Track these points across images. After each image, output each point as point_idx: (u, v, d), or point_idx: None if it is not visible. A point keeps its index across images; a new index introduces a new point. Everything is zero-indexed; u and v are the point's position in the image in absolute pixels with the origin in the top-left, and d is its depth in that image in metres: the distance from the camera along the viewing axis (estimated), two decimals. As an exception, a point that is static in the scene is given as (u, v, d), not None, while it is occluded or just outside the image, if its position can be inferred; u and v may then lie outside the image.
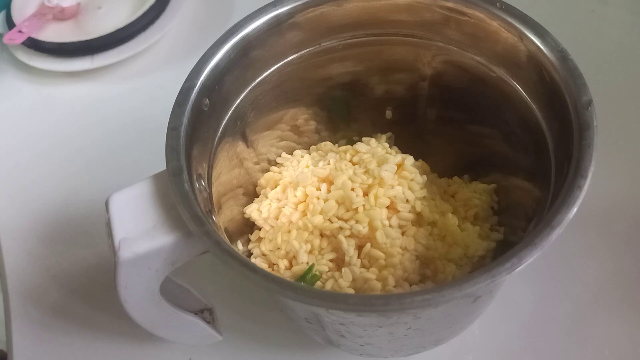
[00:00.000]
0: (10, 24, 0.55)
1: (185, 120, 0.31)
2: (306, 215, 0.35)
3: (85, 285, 0.43)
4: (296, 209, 0.35)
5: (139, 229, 0.29)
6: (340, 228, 0.34)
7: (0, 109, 0.54)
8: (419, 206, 0.35)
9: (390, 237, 0.33)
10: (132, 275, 0.30)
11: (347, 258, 0.34)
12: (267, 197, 0.37)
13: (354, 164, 0.37)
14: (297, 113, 0.39)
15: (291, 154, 0.40)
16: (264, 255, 0.35)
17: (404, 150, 0.38)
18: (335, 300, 0.26)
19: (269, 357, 0.39)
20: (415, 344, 0.34)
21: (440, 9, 0.34)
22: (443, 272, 0.34)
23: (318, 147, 0.40)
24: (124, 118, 0.51)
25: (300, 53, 0.36)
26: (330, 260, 0.34)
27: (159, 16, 0.55)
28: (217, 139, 0.34)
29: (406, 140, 0.39)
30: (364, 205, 0.34)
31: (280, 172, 0.38)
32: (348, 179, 0.35)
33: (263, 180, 0.38)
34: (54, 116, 0.53)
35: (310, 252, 0.34)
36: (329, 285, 0.33)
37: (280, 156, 0.40)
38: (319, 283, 0.34)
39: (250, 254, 0.36)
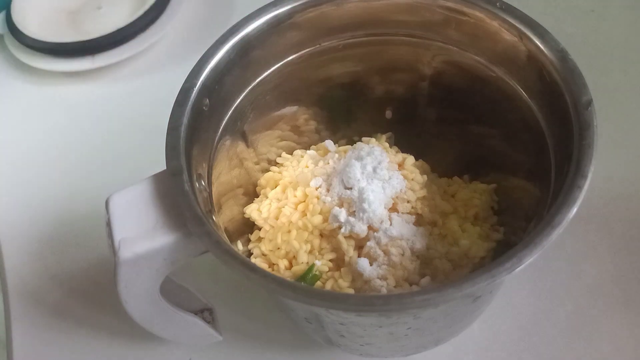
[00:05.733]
0: (10, 24, 0.55)
1: (185, 120, 0.31)
2: (306, 215, 0.35)
3: (85, 285, 0.43)
4: (296, 209, 0.35)
5: (139, 229, 0.29)
6: (340, 228, 0.34)
7: (0, 109, 0.54)
8: (419, 206, 0.35)
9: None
10: (132, 275, 0.30)
11: (347, 258, 0.34)
12: (267, 197, 0.37)
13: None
14: (297, 113, 0.39)
15: (291, 154, 0.40)
16: (264, 255, 0.35)
17: (404, 150, 0.38)
18: (335, 300, 0.26)
19: (269, 357, 0.39)
20: (415, 344, 0.34)
21: (440, 9, 0.34)
22: (443, 272, 0.34)
23: (318, 147, 0.40)
24: (124, 118, 0.51)
25: (300, 53, 0.36)
26: (330, 260, 0.34)
27: (159, 16, 0.55)
28: (217, 139, 0.34)
29: (406, 140, 0.39)
30: (364, 205, 0.34)
31: (280, 172, 0.38)
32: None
33: (263, 180, 0.38)
34: (54, 116, 0.53)
35: (310, 252, 0.34)
36: (329, 285, 0.33)
37: (280, 156, 0.39)
38: (319, 283, 0.34)
39: (250, 254, 0.36)
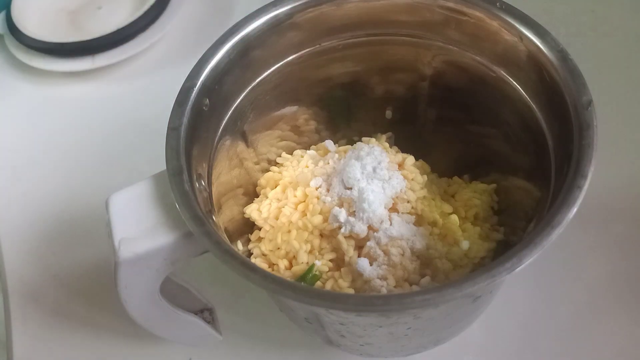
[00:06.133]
0: (10, 24, 0.55)
1: (185, 120, 0.31)
2: (306, 215, 0.35)
3: (85, 285, 0.43)
4: (296, 209, 0.35)
5: (139, 229, 0.29)
6: (340, 228, 0.34)
7: (0, 109, 0.54)
8: (419, 206, 0.35)
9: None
10: (132, 275, 0.30)
11: (347, 258, 0.34)
12: (267, 197, 0.37)
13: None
14: (297, 113, 0.39)
15: (291, 154, 0.40)
16: (264, 255, 0.35)
17: (404, 150, 0.38)
18: (335, 300, 0.26)
19: (269, 357, 0.39)
20: (415, 344, 0.34)
21: (440, 9, 0.34)
22: (443, 272, 0.34)
23: (318, 147, 0.40)
24: (124, 118, 0.51)
25: (300, 53, 0.36)
26: (330, 260, 0.34)
27: (159, 16, 0.55)
28: (217, 138, 0.34)
29: (406, 140, 0.39)
30: (364, 205, 0.34)
31: (280, 172, 0.38)
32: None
33: (263, 180, 0.38)
34: (54, 116, 0.53)
35: (310, 252, 0.34)
36: (329, 285, 0.33)
37: (280, 156, 0.39)
38: (319, 283, 0.34)
39: (250, 254, 0.36)
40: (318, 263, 0.34)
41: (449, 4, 0.33)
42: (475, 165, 0.39)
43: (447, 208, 0.36)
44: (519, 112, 0.33)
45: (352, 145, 0.38)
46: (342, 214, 0.34)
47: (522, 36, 0.32)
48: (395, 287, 0.33)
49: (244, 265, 0.27)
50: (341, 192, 0.34)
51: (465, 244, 0.34)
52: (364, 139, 0.39)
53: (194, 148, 0.31)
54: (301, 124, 0.40)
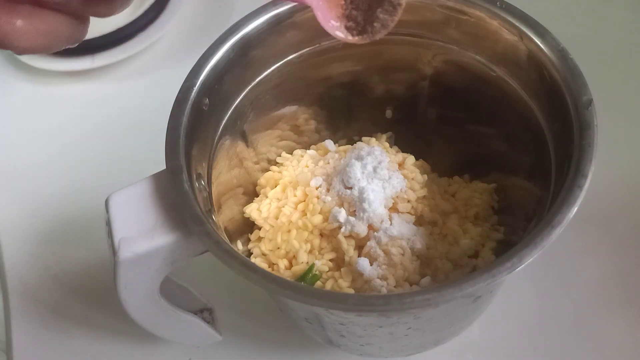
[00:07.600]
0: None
1: (185, 119, 0.31)
2: (306, 214, 0.35)
3: (85, 285, 0.43)
4: (296, 208, 0.35)
5: (138, 228, 0.29)
6: (340, 228, 0.34)
7: (0, 109, 0.54)
8: (419, 206, 0.35)
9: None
10: (131, 275, 0.30)
11: (347, 258, 0.33)
12: (267, 197, 0.37)
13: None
14: (297, 112, 0.39)
15: (291, 153, 0.40)
16: (264, 255, 0.35)
17: (404, 149, 0.38)
18: (335, 300, 0.26)
19: (269, 357, 0.39)
20: (415, 344, 0.34)
21: (441, 8, 0.34)
22: (443, 272, 0.34)
23: (318, 147, 0.40)
24: (124, 117, 0.51)
25: (300, 52, 0.36)
26: (330, 260, 0.34)
27: (158, 15, 0.55)
28: (216, 138, 0.34)
29: (406, 139, 0.39)
30: (364, 205, 0.34)
31: (280, 172, 0.38)
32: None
33: (263, 179, 0.38)
34: (54, 116, 0.53)
35: (310, 252, 0.34)
36: (329, 285, 0.33)
37: (280, 156, 0.39)
38: (319, 283, 0.34)
39: (250, 253, 0.36)
40: (318, 263, 0.34)
41: (449, 3, 0.33)
42: (476, 165, 0.39)
43: (448, 207, 0.36)
44: (519, 111, 0.33)
45: (352, 145, 0.38)
46: (342, 214, 0.34)
47: (522, 35, 0.32)
48: (395, 287, 0.33)
49: (244, 265, 0.27)
50: (341, 192, 0.34)
51: (465, 243, 0.34)
52: (364, 138, 0.39)
53: (194, 147, 0.31)
54: (301, 123, 0.40)
